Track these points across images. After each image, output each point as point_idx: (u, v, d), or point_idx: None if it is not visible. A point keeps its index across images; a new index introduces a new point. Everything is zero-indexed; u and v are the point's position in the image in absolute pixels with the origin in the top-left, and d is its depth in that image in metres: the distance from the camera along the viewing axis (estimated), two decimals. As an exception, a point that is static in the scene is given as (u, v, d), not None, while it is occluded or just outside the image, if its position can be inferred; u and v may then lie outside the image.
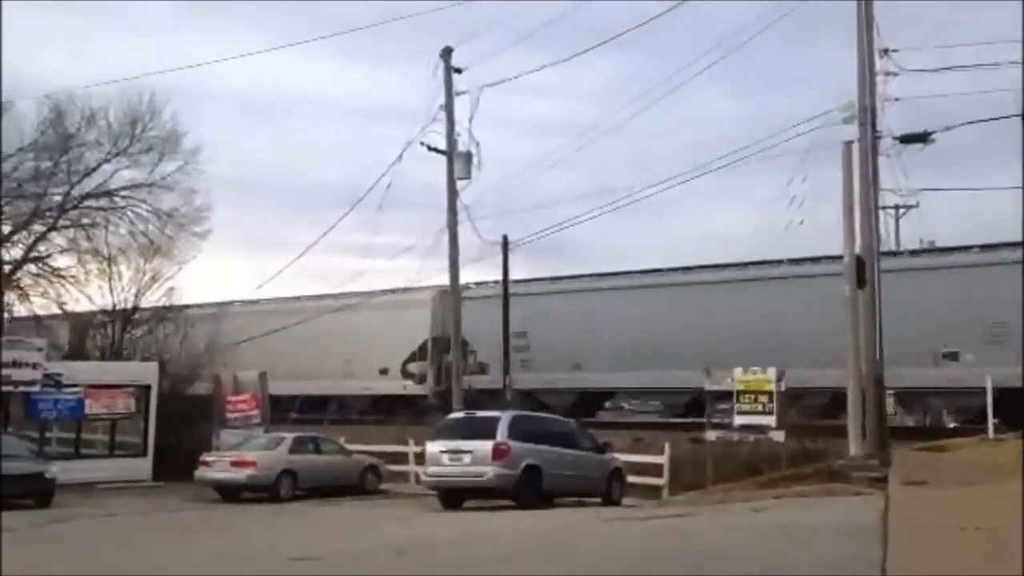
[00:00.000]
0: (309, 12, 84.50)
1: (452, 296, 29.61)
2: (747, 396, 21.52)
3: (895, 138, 23.82)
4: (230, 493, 23.96)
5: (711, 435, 22.10)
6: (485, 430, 19.87)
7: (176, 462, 26.47)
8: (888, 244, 36.80)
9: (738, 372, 22.16)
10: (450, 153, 28.64)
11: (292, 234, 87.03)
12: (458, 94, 28.66)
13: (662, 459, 22.88)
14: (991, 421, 23.28)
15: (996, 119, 23.09)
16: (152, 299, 35.90)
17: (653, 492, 22.59)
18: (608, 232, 79.10)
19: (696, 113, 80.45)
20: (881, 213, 26.50)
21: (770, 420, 21.00)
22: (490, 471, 19.33)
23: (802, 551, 10.92)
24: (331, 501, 23.08)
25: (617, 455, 22.44)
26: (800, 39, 56.43)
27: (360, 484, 25.55)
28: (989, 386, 23.92)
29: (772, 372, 21.60)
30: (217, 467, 24.33)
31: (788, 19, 23.96)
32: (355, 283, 35.18)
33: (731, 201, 75.02)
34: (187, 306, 37.54)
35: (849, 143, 21.96)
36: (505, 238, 40.69)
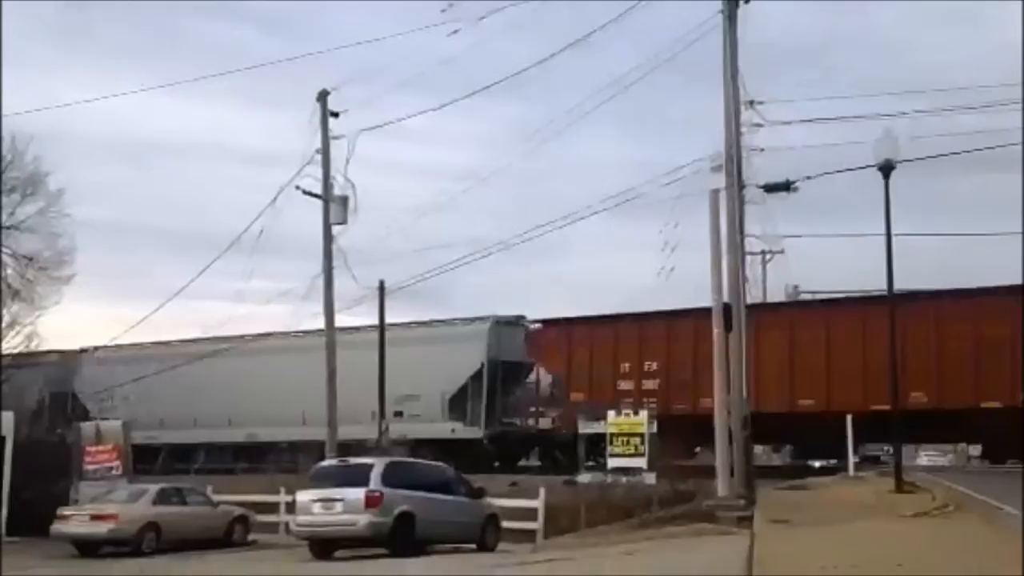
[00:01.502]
0: (189, 55, 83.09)
1: (327, 342, 29.16)
2: (620, 439, 21.75)
3: (759, 187, 24.70)
4: (89, 549, 22.91)
5: (584, 478, 22.24)
6: (358, 478, 19.53)
7: (32, 517, 25.18)
8: (756, 289, 38.12)
9: (611, 415, 22.41)
10: (326, 198, 28.37)
11: (170, 280, 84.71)
12: (335, 138, 28.48)
13: (537, 503, 22.88)
14: (851, 460, 24.15)
15: (854, 169, 24.22)
16: (10, 345, 34.38)
17: (529, 537, 22.54)
18: (501, 276, 79.62)
19: (587, 156, 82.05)
20: (749, 259, 27.47)
21: (642, 462, 21.26)
22: (362, 519, 18.97)
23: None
24: (197, 555, 22.28)
25: (492, 500, 22.35)
26: (685, 83, 57.85)
27: (228, 536, 24.77)
28: (849, 426, 24.83)
29: (644, 415, 21.91)
30: (75, 521, 23.26)
31: (673, 65, 24.47)
32: (228, 328, 34.31)
33: (620, 245, 76.44)
34: (48, 352, 36.10)
35: (716, 191, 22.59)
36: (382, 283, 40.43)
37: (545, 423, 33.29)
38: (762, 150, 25.50)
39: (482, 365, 32.67)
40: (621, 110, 75.05)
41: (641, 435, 21.49)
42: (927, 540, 14.16)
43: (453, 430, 32.05)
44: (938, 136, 25.02)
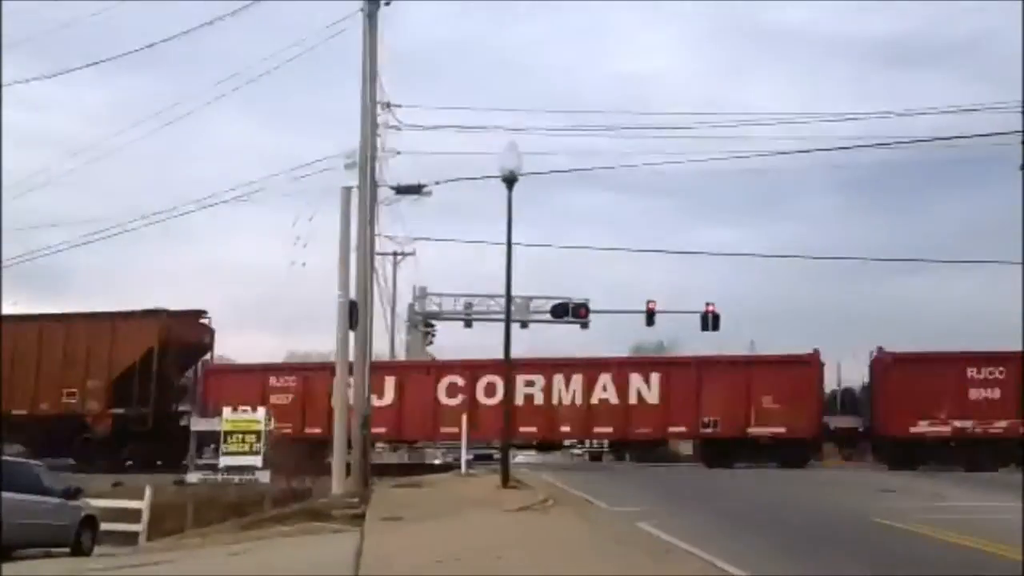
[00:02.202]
0: None
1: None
2: (235, 436, 21.06)
3: (391, 188, 25.03)
4: None
5: (193, 477, 21.31)
6: (-67, 480, 17.38)
7: None
8: (387, 289, 38.66)
9: (227, 412, 21.66)
10: None
11: None
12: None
13: (141, 504, 21.60)
14: (464, 457, 25.03)
15: (480, 178, 25.23)
16: None
17: (133, 539, 21.25)
18: (125, 259, 74.66)
19: (227, 140, 79.07)
20: (380, 258, 27.76)
21: (256, 460, 20.71)
22: (-71, 526, 16.88)
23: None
24: None
25: (91, 501, 20.79)
26: (330, 76, 57.36)
27: None
28: (464, 424, 25.71)
29: (262, 412, 21.38)
30: None
31: (319, 56, 24.10)
32: None
33: (257, 234, 74.32)
34: None
35: (348, 188, 22.56)
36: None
37: None
38: (398, 152, 25.96)
39: None
40: (264, 97, 73.54)
41: (258, 433, 20.92)
42: (526, 532, 14.90)
43: None
44: (566, 154, 26.85)
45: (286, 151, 69.87)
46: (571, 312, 42.82)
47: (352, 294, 22.23)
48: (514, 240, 23.01)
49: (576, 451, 39.11)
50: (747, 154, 26.90)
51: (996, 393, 29.30)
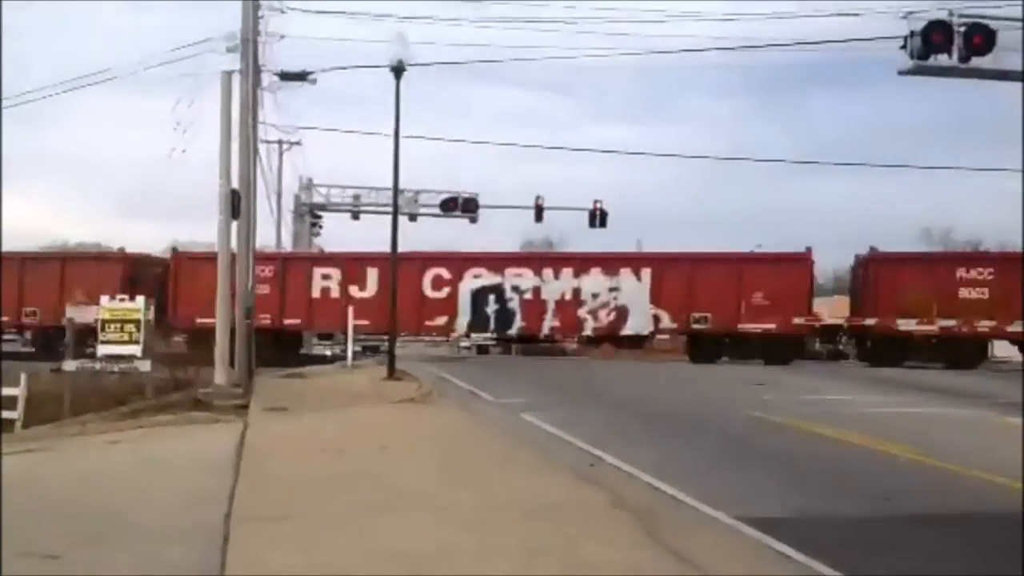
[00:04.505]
0: None
1: None
2: (113, 325, 20.56)
3: (275, 74, 24.26)
4: None
5: (71, 365, 20.78)
6: None
7: None
8: (273, 179, 37.84)
9: (105, 300, 21.10)
10: None
11: None
12: None
13: (17, 391, 21.04)
14: (351, 349, 25.08)
15: (368, 67, 24.68)
16: None
17: (9, 426, 20.72)
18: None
19: (86, 20, 75.06)
20: (265, 147, 27.08)
21: (136, 350, 20.31)
22: None
23: (155, 481, 10.71)
24: None
25: (-38, 389, 20.18)
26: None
27: None
28: (351, 315, 25.72)
29: (141, 300, 20.91)
30: None
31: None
32: None
33: (129, 122, 71.21)
34: None
35: (229, 73, 21.79)
36: None
37: None
38: (282, 36, 25.06)
39: None
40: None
41: (137, 321, 20.46)
42: (408, 422, 15.14)
43: None
44: (448, 45, 26.36)
45: (163, 34, 66.71)
46: (460, 207, 42.66)
47: (235, 183, 21.73)
48: (404, 133, 22.86)
49: (464, 343, 39.43)
50: (639, 51, 26.64)
51: (984, 293, 29.45)
